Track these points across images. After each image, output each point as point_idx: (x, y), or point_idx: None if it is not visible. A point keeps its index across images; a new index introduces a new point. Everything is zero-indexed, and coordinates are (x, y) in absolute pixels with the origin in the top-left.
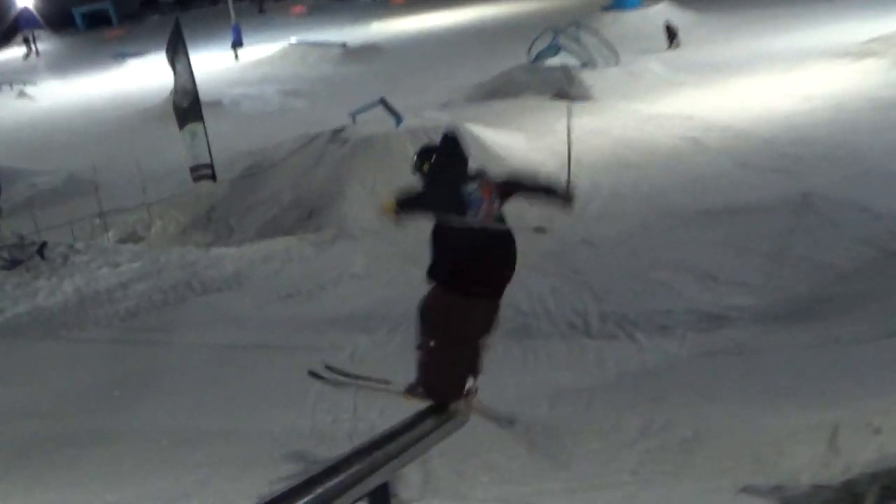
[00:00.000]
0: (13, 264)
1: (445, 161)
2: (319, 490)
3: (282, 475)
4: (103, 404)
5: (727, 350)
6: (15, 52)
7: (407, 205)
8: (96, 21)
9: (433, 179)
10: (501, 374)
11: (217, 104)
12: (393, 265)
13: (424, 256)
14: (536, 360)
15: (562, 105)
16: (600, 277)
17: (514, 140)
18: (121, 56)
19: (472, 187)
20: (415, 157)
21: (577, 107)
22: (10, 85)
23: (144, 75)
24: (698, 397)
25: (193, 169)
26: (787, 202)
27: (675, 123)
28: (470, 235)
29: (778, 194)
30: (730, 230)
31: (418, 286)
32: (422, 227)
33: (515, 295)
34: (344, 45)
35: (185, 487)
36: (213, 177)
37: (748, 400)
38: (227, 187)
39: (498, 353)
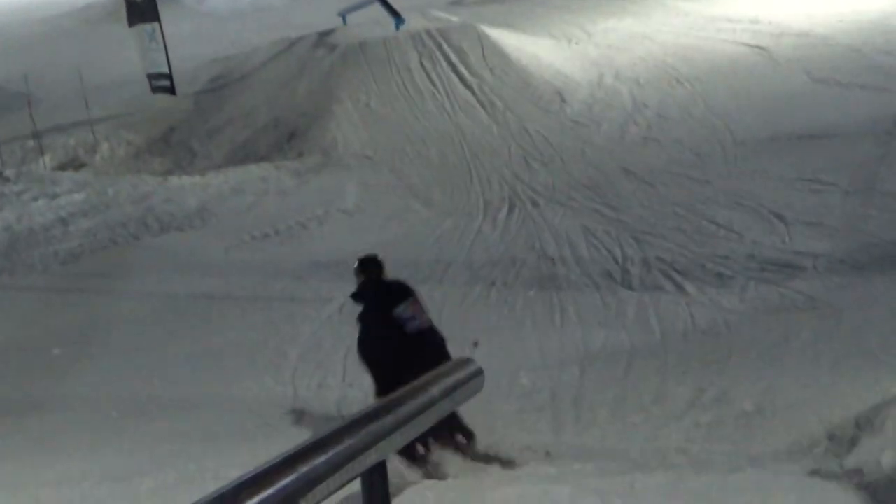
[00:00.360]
0: None
1: (375, 288)
2: (304, 469)
3: (256, 452)
4: (39, 365)
5: (797, 306)
6: None
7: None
8: None
9: (366, 308)
10: (523, 333)
11: (175, 0)
12: (392, 199)
13: (428, 187)
14: (565, 316)
15: (598, 4)
16: (643, 216)
17: (539, 47)
18: None
19: (402, 307)
20: (357, 264)
21: (618, 5)
22: None
23: None
24: (761, 363)
25: (152, 77)
26: (876, 126)
27: (737, 28)
28: (410, 344)
29: (865, 116)
30: (803, 160)
31: (422, 225)
32: (429, 156)
33: (540, 236)
34: None
35: (138, 464)
36: (171, 90)
37: (821, 366)
38: (189, 103)
39: (518, 307)
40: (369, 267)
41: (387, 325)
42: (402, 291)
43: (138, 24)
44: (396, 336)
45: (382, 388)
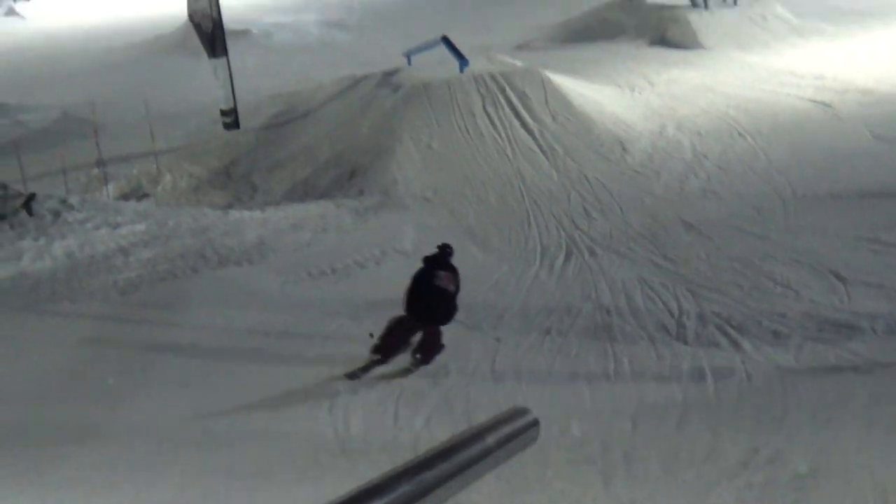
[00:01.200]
0: None
1: (432, 262)
2: None
3: (307, 491)
4: (94, 393)
5: (854, 367)
6: None
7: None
8: None
9: (428, 267)
10: (576, 382)
11: (244, 34)
12: (449, 241)
13: (486, 231)
14: (619, 368)
15: (662, 54)
16: (700, 269)
17: (602, 95)
18: None
19: (441, 273)
20: (438, 248)
21: (682, 56)
22: None
23: None
24: (816, 424)
25: (223, 112)
26: None
27: (802, 83)
28: (434, 291)
29: None
30: (864, 219)
31: (479, 268)
32: (488, 200)
33: (596, 286)
34: None
35: (188, 498)
36: (236, 124)
37: (878, 430)
38: (251, 137)
39: (572, 356)
40: (443, 247)
41: (424, 279)
42: (450, 268)
43: (215, 57)
44: (425, 283)
45: (406, 310)
